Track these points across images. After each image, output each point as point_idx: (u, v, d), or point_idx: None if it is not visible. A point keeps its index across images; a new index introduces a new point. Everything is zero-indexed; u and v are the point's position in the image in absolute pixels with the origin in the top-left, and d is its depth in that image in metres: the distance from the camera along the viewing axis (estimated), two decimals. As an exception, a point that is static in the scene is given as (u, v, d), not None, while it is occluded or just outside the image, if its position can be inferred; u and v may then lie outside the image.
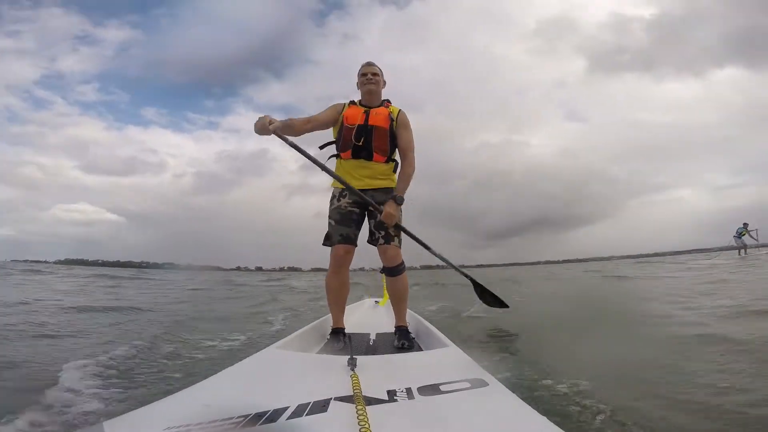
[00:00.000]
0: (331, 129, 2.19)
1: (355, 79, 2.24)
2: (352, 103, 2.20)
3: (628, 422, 1.46)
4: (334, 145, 2.16)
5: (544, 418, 0.92)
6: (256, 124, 1.97)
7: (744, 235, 15.43)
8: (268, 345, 1.92)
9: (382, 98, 2.22)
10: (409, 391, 1.09)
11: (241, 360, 1.55)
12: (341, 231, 2.06)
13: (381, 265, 2.14)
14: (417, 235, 2.17)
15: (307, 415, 0.94)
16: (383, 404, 1.01)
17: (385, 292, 4.11)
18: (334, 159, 2.16)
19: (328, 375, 1.30)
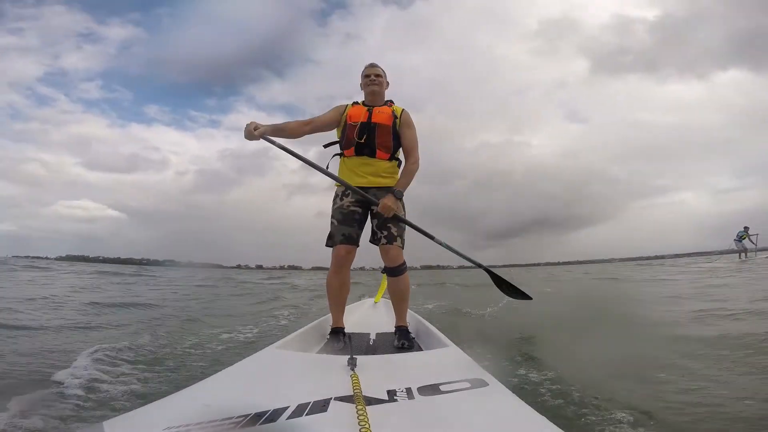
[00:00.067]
0: (334, 130, 2.19)
1: (358, 80, 2.24)
2: (356, 103, 2.20)
3: (628, 422, 1.46)
4: (338, 145, 2.16)
5: (544, 418, 0.92)
6: (244, 131, 2.00)
7: (744, 238, 15.42)
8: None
9: (385, 99, 2.22)
10: (409, 391, 1.09)
11: (241, 360, 1.55)
12: (343, 231, 2.05)
13: (382, 265, 2.14)
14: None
15: (307, 415, 0.94)
16: (383, 404, 1.01)
17: (379, 290, 4.13)
18: (337, 158, 2.16)
19: (328, 375, 1.30)
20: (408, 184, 2.09)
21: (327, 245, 2.10)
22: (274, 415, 0.94)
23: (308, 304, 6.42)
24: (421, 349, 2.05)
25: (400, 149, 2.15)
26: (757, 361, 2.19)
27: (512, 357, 2.54)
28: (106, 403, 1.79)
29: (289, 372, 1.45)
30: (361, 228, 2.10)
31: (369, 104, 2.17)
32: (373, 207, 2.03)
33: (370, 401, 1.00)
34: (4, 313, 4.10)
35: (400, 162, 2.16)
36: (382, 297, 3.94)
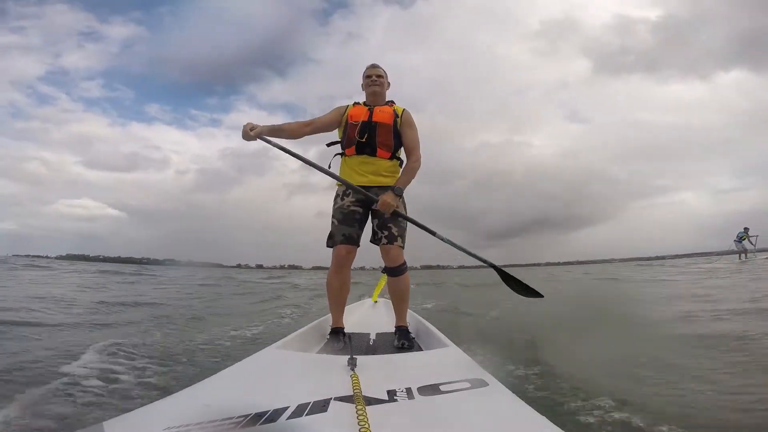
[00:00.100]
0: (336, 131, 2.19)
1: (359, 79, 2.24)
2: (357, 103, 2.20)
3: (627, 421, 1.47)
4: (339, 145, 2.16)
5: (544, 418, 0.92)
6: (241, 132, 2.00)
7: (744, 239, 15.43)
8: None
9: (387, 99, 2.22)
10: (409, 391, 1.09)
11: (241, 360, 1.55)
12: (344, 231, 2.05)
13: (382, 265, 2.14)
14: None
15: (307, 415, 0.94)
16: (383, 404, 1.01)
17: (376, 289, 4.14)
18: (339, 158, 2.16)
19: (328, 375, 1.30)
20: (408, 182, 2.09)
21: (327, 245, 2.10)
22: (274, 415, 0.94)
23: (309, 303, 6.43)
24: (421, 349, 2.05)
25: (402, 148, 2.16)
26: (757, 360, 2.19)
27: (512, 357, 2.54)
28: (126, 395, 1.92)
29: (289, 372, 1.45)
30: (362, 228, 2.10)
31: (370, 104, 2.17)
32: (374, 205, 2.03)
33: (370, 401, 1.00)
34: (21, 312, 4.26)
35: (401, 161, 2.16)
36: (382, 297, 3.94)
